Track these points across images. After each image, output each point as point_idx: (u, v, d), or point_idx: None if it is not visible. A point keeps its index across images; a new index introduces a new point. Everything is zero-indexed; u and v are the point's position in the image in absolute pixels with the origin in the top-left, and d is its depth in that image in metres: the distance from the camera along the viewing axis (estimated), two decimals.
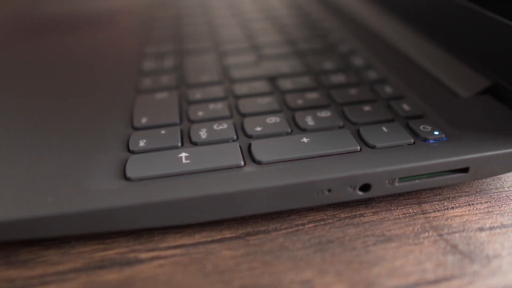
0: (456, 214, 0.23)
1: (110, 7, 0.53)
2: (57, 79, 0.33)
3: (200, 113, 0.26)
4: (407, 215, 0.22)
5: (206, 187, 0.20)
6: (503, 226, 0.22)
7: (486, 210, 0.23)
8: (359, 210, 0.23)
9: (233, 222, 0.22)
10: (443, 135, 0.23)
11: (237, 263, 0.20)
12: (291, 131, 0.24)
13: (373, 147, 0.23)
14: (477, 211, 0.23)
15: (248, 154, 0.23)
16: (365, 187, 0.22)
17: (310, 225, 0.22)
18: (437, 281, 0.19)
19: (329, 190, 0.21)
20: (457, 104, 0.26)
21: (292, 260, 0.20)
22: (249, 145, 0.23)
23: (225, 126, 0.25)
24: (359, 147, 0.23)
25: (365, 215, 0.23)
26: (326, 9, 0.47)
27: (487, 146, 0.22)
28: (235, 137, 0.24)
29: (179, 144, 0.24)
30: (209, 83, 0.31)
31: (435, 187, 0.24)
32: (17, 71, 0.35)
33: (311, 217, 0.23)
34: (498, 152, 0.22)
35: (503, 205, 0.23)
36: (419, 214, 0.23)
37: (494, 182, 0.25)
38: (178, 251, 0.21)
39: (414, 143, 0.23)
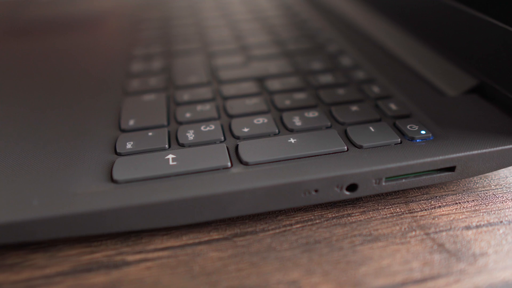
0: (443, 213, 0.23)
1: (99, 8, 0.53)
2: (44, 81, 0.33)
3: (188, 115, 0.26)
4: (394, 214, 0.23)
5: (193, 189, 0.20)
6: (489, 224, 0.22)
7: (473, 209, 0.23)
8: (346, 210, 0.23)
9: (220, 223, 0.22)
10: (430, 134, 0.23)
11: (225, 264, 0.20)
12: (279, 131, 0.25)
13: (360, 147, 0.23)
14: (464, 210, 0.23)
15: (235, 155, 0.23)
16: (352, 187, 0.22)
17: (298, 225, 0.22)
18: (423, 280, 0.19)
19: (316, 191, 0.21)
20: (444, 103, 0.27)
21: (279, 260, 0.20)
22: (236, 146, 0.23)
23: (213, 127, 0.25)
24: (346, 147, 0.23)
25: (353, 215, 0.23)
26: (315, 9, 0.47)
27: (473, 145, 0.23)
28: (222, 138, 0.24)
29: (166, 145, 0.24)
30: (197, 85, 0.31)
31: (422, 186, 0.24)
32: (2, 73, 0.35)
33: (299, 217, 0.23)
34: (484, 150, 0.22)
35: (490, 203, 0.23)
36: (406, 213, 0.23)
37: (481, 180, 0.25)
38: (165, 253, 0.21)
39: (401, 142, 0.23)
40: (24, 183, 0.21)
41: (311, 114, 0.26)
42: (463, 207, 0.23)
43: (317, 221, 0.22)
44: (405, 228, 0.22)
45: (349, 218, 0.22)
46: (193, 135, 0.24)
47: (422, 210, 0.23)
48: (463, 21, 0.28)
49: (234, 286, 0.19)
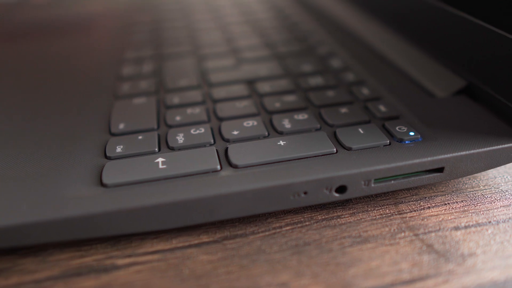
0: (432, 213, 0.23)
1: (90, 12, 0.53)
2: (34, 84, 0.33)
3: (178, 118, 0.26)
4: (384, 215, 0.23)
5: (182, 192, 0.20)
6: (478, 224, 0.22)
7: (461, 209, 0.23)
8: (336, 211, 0.23)
9: (210, 226, 0.22)
10: (419, 136, 0.23)
11: (214, 267, 0.20)
12: (268, 134, 0.25)
13: (349, 148, 0.23)
14: (453, 210, 0.23)
15: (225, 158, 0.23)
16: (341, 189, 0.22)
17: (288, 227, 0.22)
18: (412, 281, 0.19)
19: (305, 193, 0.21)
20: (433, 105, 0.27)
21: (269, 263, 0.20)
22: (226, 149, 0.23)
23: (202, 130, 0.25)
24: (335, 149, 0.23)
25: (342, 216, 0.23)
26: (306, 11, 0.48)
27: (461, 146, 0.23)
28: (212, 141, 0.24)
29: (156, 149, 0.24)
30: (187, 88, 0.31)
31: (411, 187, 0.24)
32: None
33: (289, 219, 0.23)
34: (472, 151, 0.22)
35: (479, 204, 0.23)
36: (395, 214, 0.23)
37: (470, 181, 0.25)
38: (155, 256, 0.21)
39: (390, 144, 0.23)
40: (13, 187, 0.21)
41: (301, 116, 0.26)
42: (452, 208, 0.23)
43: (307, 223, 0.22)
44: (394, 229, 0.22)
45: (338, 219, 0.23)
46: (183, 139, 0.24)
47: (411, 211, 0.23)
48: (451, 23, 0.28)
49: None
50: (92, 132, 0.26)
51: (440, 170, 0.23)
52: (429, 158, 0.22)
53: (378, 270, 0.20)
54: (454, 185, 0.25)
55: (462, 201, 0.23)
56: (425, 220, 0.22)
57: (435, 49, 0.31)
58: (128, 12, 0.52)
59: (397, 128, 0.24)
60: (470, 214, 0.23)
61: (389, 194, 0.24)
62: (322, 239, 0.21)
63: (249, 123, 0.25)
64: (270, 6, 0.51)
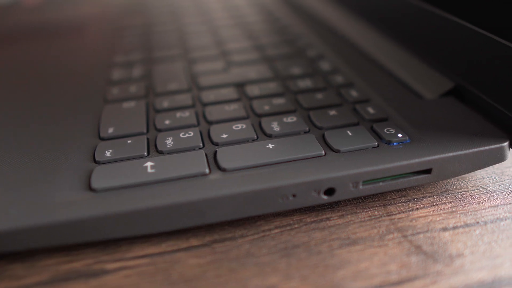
0: (420, 215, 0.23)
1: (81, 15, 0.53)
2: (23, 88, 0.33)
3: (167, 122, 0.26)
4: (373, 217, 0.23)
5: (171, 196, 0.21)
6: (466, 225, 0.22)
7: (450, 210, 0.23)
8: (325, 214, 0.23)
9: (199, 230, 0.22)
10: (407, 137, 0.24)
11: (203, 271, 0.20)
12: (257, 137, 0.25)
13: (337, 151, 0.23)
14: (441, 211, 0.23)
15: (214, 161, 0.23)
16: (329, 191, 0.22)
17: (277, 230, 0.22)
18: (400, 282, 0.19)
19: (293, 195, 0.21)
20: (421, 106, 0.27)
21: (257, 266, 0.20)
22: (215, 153, 0.23)
23: (192, 134, 0.25)
24: (323, 152, 0.23)
25: (331, 218, 0.23)
26: (295, 14, 0.48)
27: (449, 147, 0.23)
28: (201, 144, 0.24)
29: (145, 153, 0.24)
30: (177, 91, 0.31)
31: (400, 189, 0.24)
32: None
33: (278, 222, 0.23)
34: (460, 152, 0.23)
35: (467, 205, 0.23)
36: (384, 216, 0.23)
37: (458, 182, 0.25)
38: (144, 260, 0.21)
39: (378, 146, 0.23)
40: (0, 192, 0.21)
41: (290, 119, 0.26)
42: (440, 209, 0.23)
43: (296, 225, 0.22)
44: (383, 231, 0.22)
45: (327, 222, 0.23)
46: (172, 142, 0.24)
47: (400, 213, 0.23)
48: (439, 25, 0.29)
49: None
50: (81, 136, 0.26)
51: (428, 171, 0.23)
52: (417, 160, 0.22)
53: (367, 271, 0.20)
54: (442, 186, 0.25)
55: (450, 202, 0.24)
56: (414, 221, 0.22)
57: (423, 51, 0.31)
58: (119, 15, 0.51)
59: (385, 130, 0.24)
60: (458, 215, 0.23)
61: (378, 196, 0.24)
62: (311, 242, 0.21)
63: (238, 126, 0.25)
64: (260, 9, 0.51)
